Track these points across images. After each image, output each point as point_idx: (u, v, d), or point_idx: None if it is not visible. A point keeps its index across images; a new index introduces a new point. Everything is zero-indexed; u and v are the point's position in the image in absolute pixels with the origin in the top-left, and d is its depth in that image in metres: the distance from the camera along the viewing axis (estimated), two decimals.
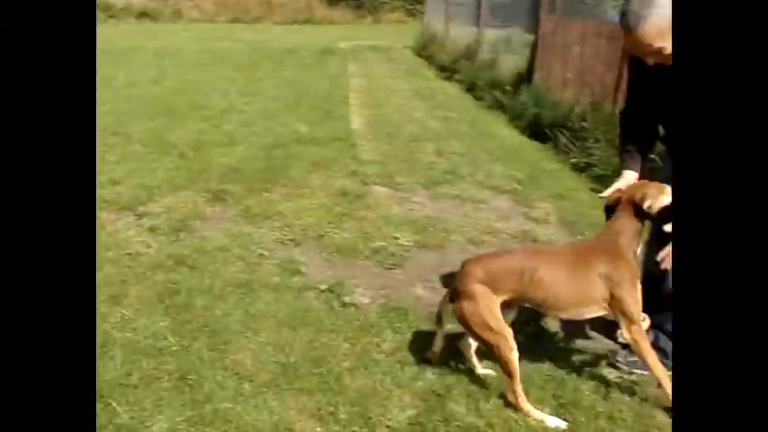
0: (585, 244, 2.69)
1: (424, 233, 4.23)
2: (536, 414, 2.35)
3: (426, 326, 2.98)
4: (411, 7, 30.19)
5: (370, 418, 2.36)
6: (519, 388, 2.37)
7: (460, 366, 2.65)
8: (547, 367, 2.68)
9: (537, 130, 7.27)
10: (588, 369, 2.69)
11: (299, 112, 8.11)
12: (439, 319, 2.59)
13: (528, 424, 2.30)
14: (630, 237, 2.43)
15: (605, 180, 5.62)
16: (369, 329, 2.97)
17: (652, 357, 2.34)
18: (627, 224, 2.43)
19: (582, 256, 2.45)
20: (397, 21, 29.38)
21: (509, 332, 2.38)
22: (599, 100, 6.75)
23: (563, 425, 2.31)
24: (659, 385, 2.35)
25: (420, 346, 2.80)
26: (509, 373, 2.36)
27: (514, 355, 2.36)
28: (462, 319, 2.42)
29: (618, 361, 2.71)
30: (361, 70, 12.24)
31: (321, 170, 5.57)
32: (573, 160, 6.22)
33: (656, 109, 2.55)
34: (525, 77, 8.60)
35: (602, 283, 2.37)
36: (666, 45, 2.19)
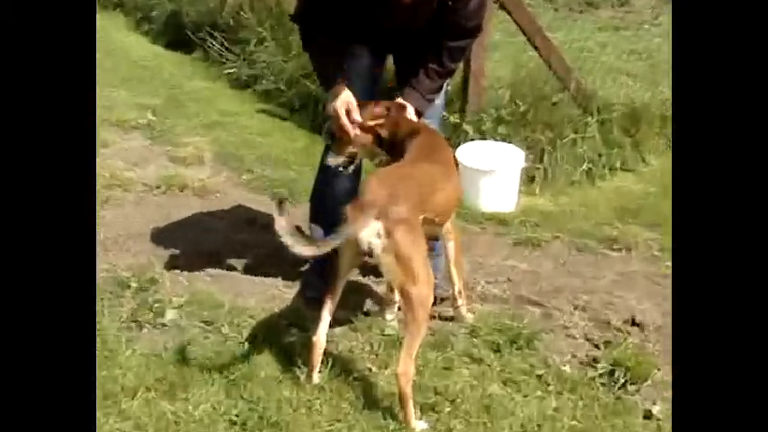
0: (437, 151, 3.24)
1: None
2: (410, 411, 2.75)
3: None
4: None
5: None
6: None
7: None
8: None
9: (177, 36, 7.73)
10: None
11: None
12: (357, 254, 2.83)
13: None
14: None
15: (277, 96, 6.35)
16: None
17: None
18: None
19: (448, 165, 3.24)
20: None
21: None
22: None
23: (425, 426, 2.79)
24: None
25: None
26: (422, 322, 2.77)
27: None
28: (401, 254, 2.74)
29: None
30: None
31: None
32: (230, 72, 6.84)
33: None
34: None
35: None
36: None
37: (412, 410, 2.76)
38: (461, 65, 5.00)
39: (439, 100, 3.53)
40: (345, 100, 3.22)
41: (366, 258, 2.96)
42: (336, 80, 3.25)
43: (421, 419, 2.78)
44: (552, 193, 4.95)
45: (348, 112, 3.21)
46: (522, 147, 4.86)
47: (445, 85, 3.55)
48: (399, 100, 3.31)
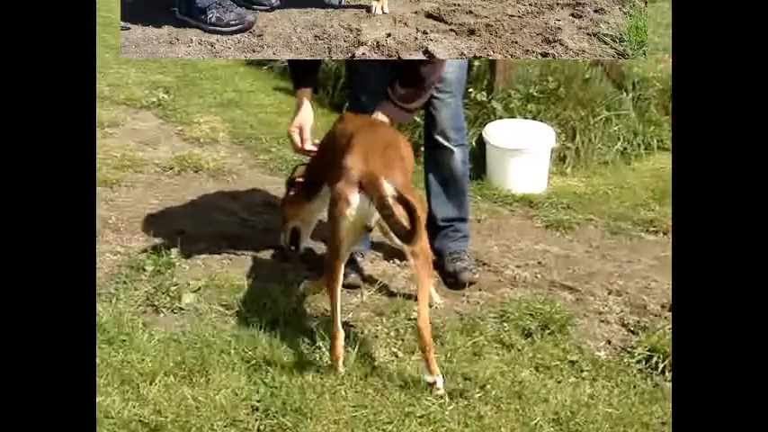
0: (368, 117, 3.43)
1: None
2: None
3: None
4: None
5: None
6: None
7: None
8: None
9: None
10: None
11: None
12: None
13: None
14: None
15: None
16: None
17: None
18: None
19: (387, 125, 3.40)
20: None
21: None
22: None
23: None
24: None
25: None
26: (430, 272, 3.11)
27: None
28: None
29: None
30: None
31: None
32: None
33: None
34: None
35: None
36: None
37: (434, 358, 2.92)
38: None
39: (461, 72, 3.59)
40: (300, 120, 3.44)
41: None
42: (302, 81, 3.45)
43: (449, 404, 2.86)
44: (585, 174, 4.99)
45: (301, 132, 3.43)
46: (552, 125, 4.89)
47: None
48: (376, 113, 3.39)
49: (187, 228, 4.11)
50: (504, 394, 2.93)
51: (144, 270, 3.67)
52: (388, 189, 2.87)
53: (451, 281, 3.63)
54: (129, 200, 4.43)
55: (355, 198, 2.90)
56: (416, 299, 3.05)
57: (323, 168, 3.38)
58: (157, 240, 3.97)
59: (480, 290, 3.64)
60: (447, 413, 2.81)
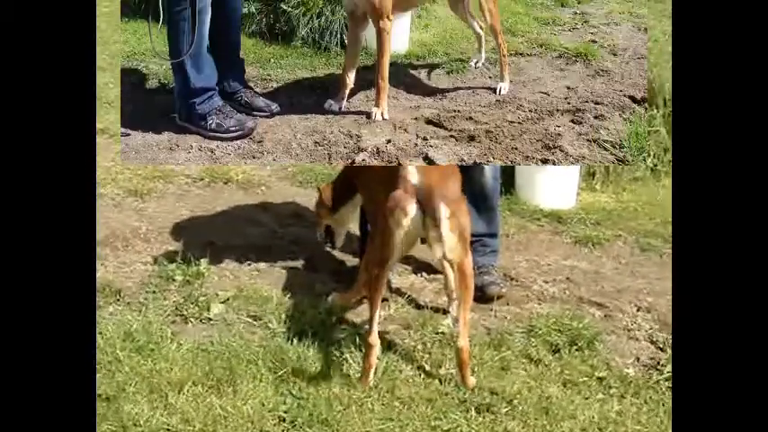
0: None
1: None
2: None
3: None
4: None
5: None
6: None
7: None
8: None
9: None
10: None
11: None
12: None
13: None
14: None
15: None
16: None
17: None
18: None
19: None
20: None
21: None
22: None
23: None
24: None
25: None
26: (472, 291, 3.07)
27: None
28: (462, 232, 2.98)
29: None
30: None
31: None
32: None
33: None
34: None
35: None
36: None
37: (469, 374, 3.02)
38: None
39: None
40: None
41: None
42: None
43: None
44: (614, 190, 4.98)
45: None
46: None
47: None
48: None
49: (216, 239, 4.15)
50: (531, 410, 2.92)
51: (173, 280, 3.71)
52: (443, 208, 2.88)
53: (479, 295, 3.61)
54: (159, 210, 4.47)
55: (413, 208, 2.90)
56: (444, 311, 3.12)
57: (356, 175, 3.44)
58: (187, 251, 3.99)
59: (508, 304, 3.64)
60: (473, 427, 2.81)
